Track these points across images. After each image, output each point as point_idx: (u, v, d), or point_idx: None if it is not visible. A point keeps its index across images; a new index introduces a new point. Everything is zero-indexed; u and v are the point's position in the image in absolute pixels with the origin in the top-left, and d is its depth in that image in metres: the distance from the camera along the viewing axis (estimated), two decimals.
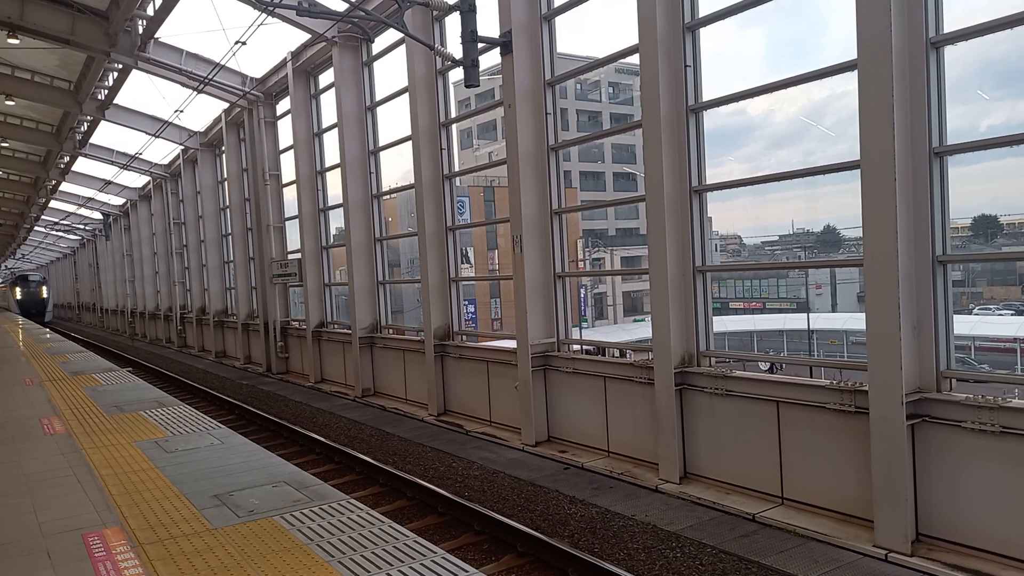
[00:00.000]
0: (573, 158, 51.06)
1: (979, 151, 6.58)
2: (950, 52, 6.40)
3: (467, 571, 3.50)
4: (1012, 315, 36.27)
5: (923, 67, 6.31)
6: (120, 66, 17.87)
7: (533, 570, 6.52)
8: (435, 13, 12.51)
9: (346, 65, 15.32)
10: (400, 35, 12.76)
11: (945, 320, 6.46)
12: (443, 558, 3.66)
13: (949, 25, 6.31)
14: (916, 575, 6.02)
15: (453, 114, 13.61)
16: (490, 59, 11.40)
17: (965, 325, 29.65)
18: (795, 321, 37.31)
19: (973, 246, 33.68)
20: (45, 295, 53.80)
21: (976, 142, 6.47)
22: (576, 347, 11.41)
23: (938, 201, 6.38)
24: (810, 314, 35.07)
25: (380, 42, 15.02)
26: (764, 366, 22.64)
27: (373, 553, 3.78)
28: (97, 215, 39.87)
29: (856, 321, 29.65)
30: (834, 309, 43.47)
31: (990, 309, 38.68)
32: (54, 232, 47.37)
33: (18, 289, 52.89)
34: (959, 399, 6.21)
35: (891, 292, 6.29)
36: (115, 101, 20.75)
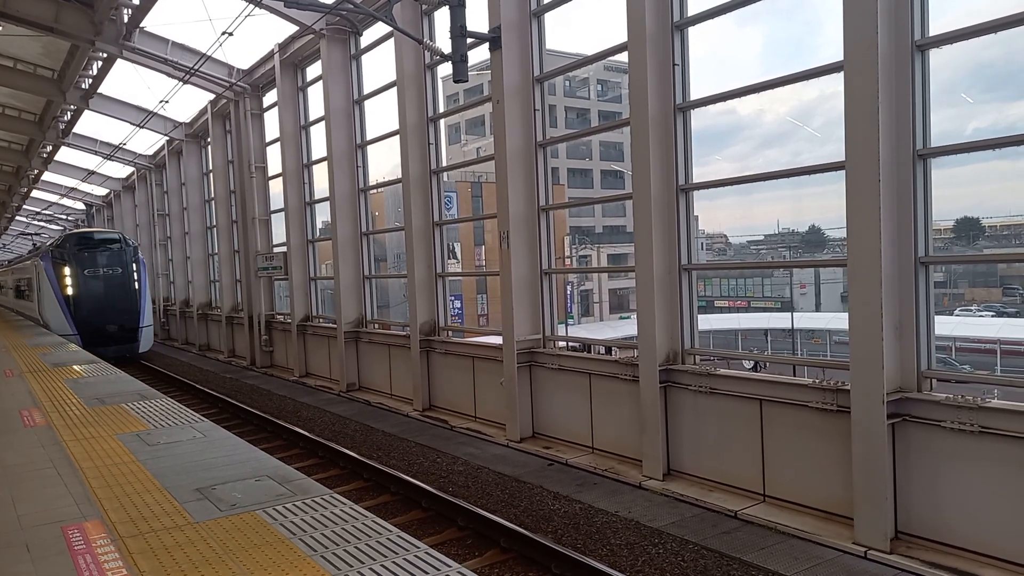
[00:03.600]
0: (561, 155, 51.08)
1: (963, 153, 6.66)
2: (938, 55, 6.46)
3: (450, 566, 3.50)
4: (993, 316, 36.72)
5: (908, 70, 6.36)
6: (105, 55, 17.67)
7: (516, 565, 6.53)
8: (424, 7, 12.47)
9: (334, 58, 15.23)
10: (389, 29, 12.68)
11: (927, 320, 6.52)
12: (426, 553, 3.66)
13: (935, 28, 6.37)
14: (894, 572, 6.09)
15: (441, 109, 13.57)
16: (479, 54, 11.39)
17: (946, 326, 29.98)
18: (779, 320, 37.55)
19: (955, 248, 34.02)
20: (137, 283, 22.22)
21: (958, 145, 6.55)
22: (562, 344, 11.43)
23: (921, 203, 6.45)
24: (794, 313, 35.30)
25: (369, 35, 14.93)
26: (748, 364, 22.78)
27: (356, 548, 3.77)
28: (80, 205, 39.50)
29: (839, 321, 29.89)
30: (818, 308, 43.81)
31: (971, 310, 39.13)
32: (36, 222, 46.82)
33: (68, 272, 21.25)
34: (939, 399, 6.28)
35: (874, 292, 6.35)
36: (99, 90, 20.52)
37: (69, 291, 21.04)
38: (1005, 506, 5.94)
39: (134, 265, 22.11)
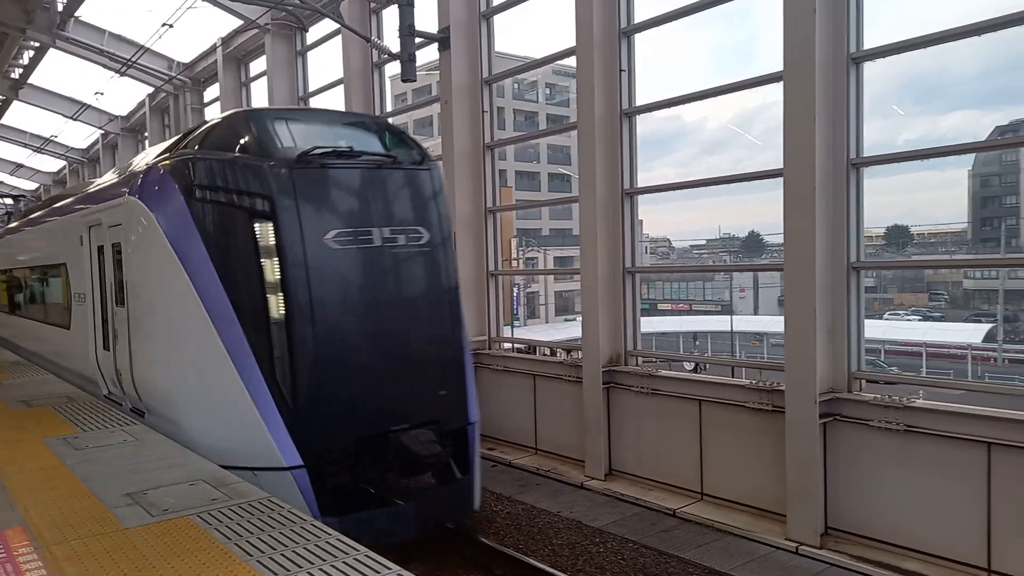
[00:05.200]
0: (509, 157, 51.05)
1: (894, 163, 6.92)
2: (872, 68, 6.70)
3: (390, 568, 3.46)
4: (920, 320, 38.23)
5: (844, 81, 6.58)
6: (37, 44, 16.99)
7: (457, 567, 6.51)
8: (373, 5, 12.36)
9: (279, 54, 14.95)
10: (336, 25, 12.53)
11: (857, 324, 6.77)
12: (365, 556, 3.62)
13: (869, 42, 6.61)
14: (824, 567, 6.29)
15: (389, 108, 13.45)
16: (428, 55, 11.33)
17: (876, 329, 31.03)
18: (720, 323, 38.34)
19: (885, 254, 35.37)
20: (452, 272, 7.04)
21: (890, 155, 6.82)
22: (507, 345, 11.45)
23: (854, 210, 6.68)
24: (734, 316, 36.10)
25: (315, 32, 14.71)
26: (689, 366, 23.20)
27: (294, 552, 3.70)
28: (8, 200, 37.78)
29: (776, 324, 30.67)
30: (756, 312, 44.88)
31: (900, 314, 40.66)
32: None
33: (270, 241, 5.73)
34: (868, 399, 6.52)
35: (808, 296, 6.55)
36: (30, 80, 19.72)
37: (275, 308, 5.98)
38: (927, 501, 6.20)
39: (445, 226, 7.22)
